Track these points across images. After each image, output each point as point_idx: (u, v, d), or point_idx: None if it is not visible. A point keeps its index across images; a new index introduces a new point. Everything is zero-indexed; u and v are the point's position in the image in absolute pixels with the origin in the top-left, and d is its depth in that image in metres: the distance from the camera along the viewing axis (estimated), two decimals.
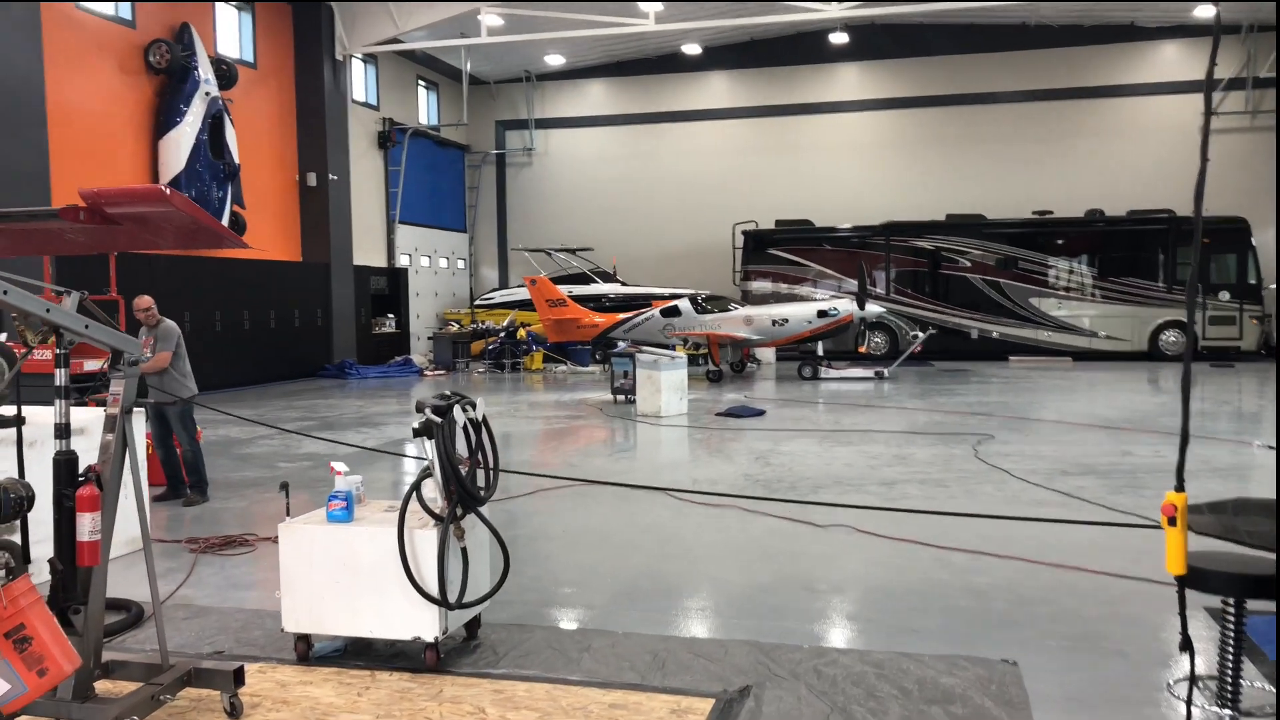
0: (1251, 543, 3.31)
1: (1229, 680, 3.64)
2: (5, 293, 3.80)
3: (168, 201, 5.94)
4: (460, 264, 31.49)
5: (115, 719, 3.84)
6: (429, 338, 26.98)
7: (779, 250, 26.65)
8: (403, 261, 27.67)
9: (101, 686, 4.27)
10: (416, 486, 4.82)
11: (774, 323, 20.73)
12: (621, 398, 16.47)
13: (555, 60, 30.14)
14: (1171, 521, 3.19)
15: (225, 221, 19.93)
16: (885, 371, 20.60)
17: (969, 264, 25.21)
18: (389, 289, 26.54)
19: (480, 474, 4.98)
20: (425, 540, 4.75)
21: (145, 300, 9.00)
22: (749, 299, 25.39)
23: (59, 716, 3.99)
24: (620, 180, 30.83)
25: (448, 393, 4.91)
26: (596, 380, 20.85)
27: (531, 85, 31.27)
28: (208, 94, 19.26)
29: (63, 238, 7.13)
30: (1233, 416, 14.28)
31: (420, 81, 29.49)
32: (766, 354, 24.21)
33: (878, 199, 28.02)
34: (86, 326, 4.10)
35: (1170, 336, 23.69)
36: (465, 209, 31.91)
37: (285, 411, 16.13)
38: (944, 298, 25.40)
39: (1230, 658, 3.63)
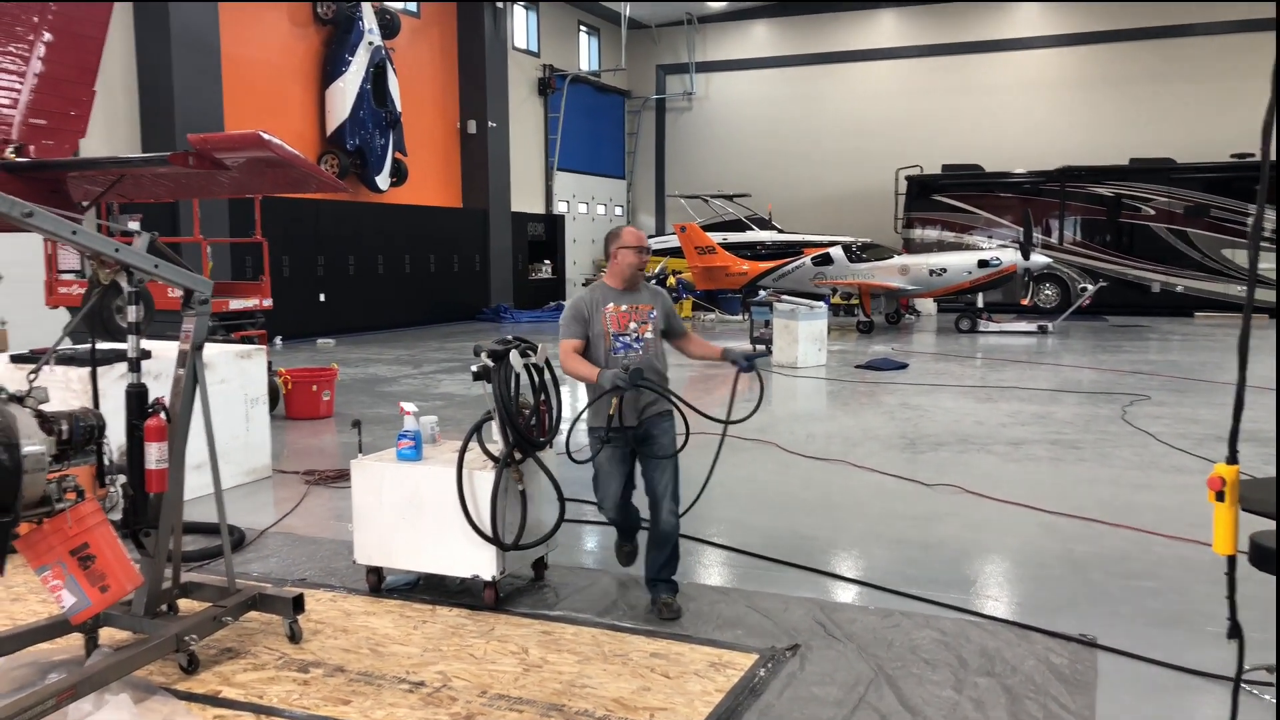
0: None
1: None
2: (75, 233, 4.02)
3: (265, 146, 6.17)
4: (618, 211, 31.68)
5: (176, 635, 4.09)
6: (583, 283, 27.35)
7: (945, 196, 25.47)
8: (560, 208, 28.08)
9: (184, 606, 4.57)
10: (477, 428, 4.88)
11: (931, 273, 19.92)
12: (761, 347, 16.23)
13: (717, 2, 29.61)
14: (1220, 497, 2.84)
15: (387, 168, 20.72)
16: (1050, 326, 19.48)
17: (1153, 212, 23.39)
18: (546, 235, 27.02)
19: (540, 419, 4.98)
20: (483, 481, 4.82)
21: None
22: (911, 247, 24.46)
23: (131, 629, 4.29)
24: (781, 124, 30.16)
25: (509, 337, 4.93)
26: (743, 329, 20.62)
27: (693, 28, 30.87)
28: (371, 44, 19.96)
29: (189, 182, 7.55)
30: None
31: (581, 27, 29.61)
32: (927, 305, 23.33)
33: (1053, 143, 26.35)
34: (156, 266, 4.30)
35: None
36: (624, 155, 32.01)
37: (436, 353, 16.74)
38: (1123, 248, 23.70)
39: None
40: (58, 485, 3.80)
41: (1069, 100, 27.19)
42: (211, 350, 7.23)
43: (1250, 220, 22.44)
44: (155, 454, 4.26)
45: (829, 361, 14.80)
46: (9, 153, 6.60)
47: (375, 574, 5.19)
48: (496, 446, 4.88)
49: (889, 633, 4.58)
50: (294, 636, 4.46)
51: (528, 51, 26.73)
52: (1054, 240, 23.99)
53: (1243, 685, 3.26)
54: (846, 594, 5.19)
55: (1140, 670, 4.18)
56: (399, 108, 20.78)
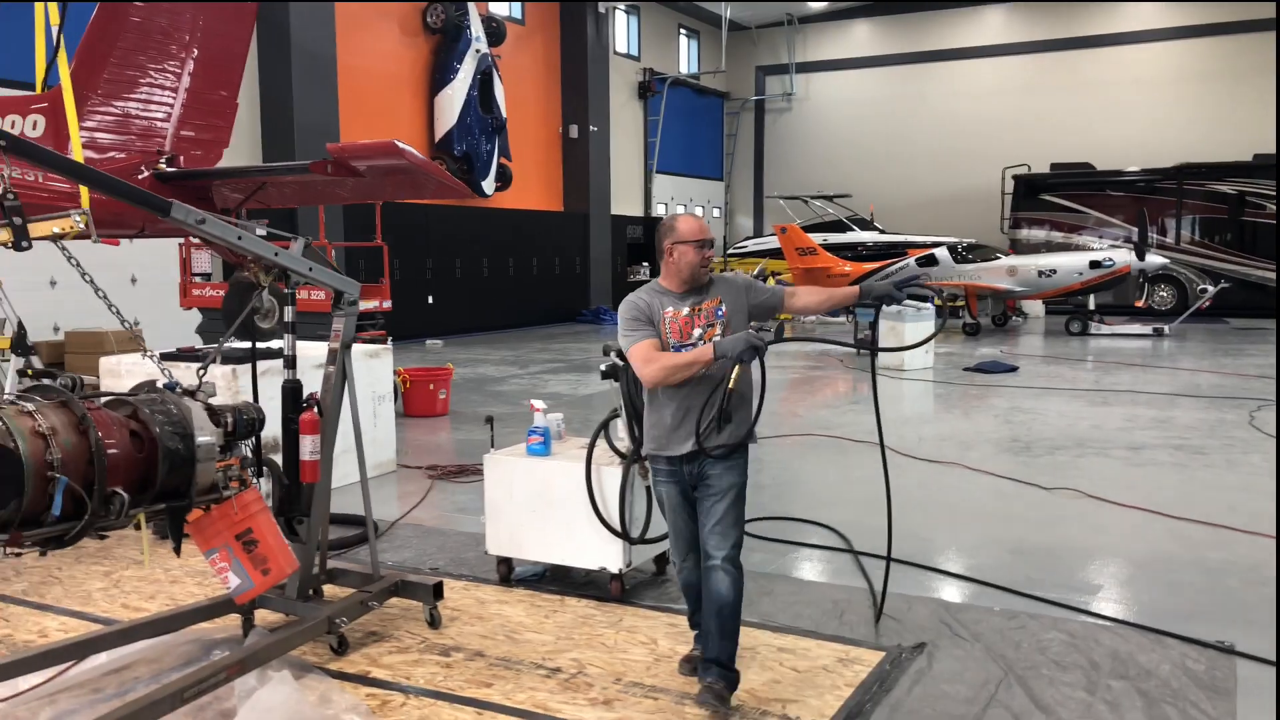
0: None
1: None
2: (240, 238, 4.30)
3: (400, 155, 6.47)
4: (716, 212, 31.73)
5: (327, 618, 4.34)
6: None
7: (1054, 196, 24.84)
8: (659, 210, 28.27)
9: (328, 590, 4.84)
10: (605, 425, 5.04)
11: (1040, 274, 19.48)
12: (865, 350, 16.10)
13: (818, 2, 29.44)
14: None
15: (492, 173, 21.18)
16: (1166, 328, 18.86)
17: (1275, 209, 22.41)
18: (645, 238, 27.24)
19: None
20: (610, 477, 4.96)
21: None
22: (1018, 248, 23.91)
23: (285, 611, 4.56)
24: (883, 124, 29.82)
25: None
26: (845, 331, 20.47)
27: (793, 28, 30.75)
28: (478, 51, 20.44)
29: (325, 189, 7.92)
30: None
31: (681, 30, 29.76)
32: (1035, 307, 22.79)
33: (1167, 140, 25.47)
34: (310, 269, 4.55)
35: None
36: (722, 157, 32.05)
37: (540, 354, 17.07)
38: (1245, 248, 22.76)
39: None
40: (224, 473, 4.07)
41: (1184, 95, 26.25)
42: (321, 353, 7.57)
43: None
44: (309, 446, 4.52)
45: (936, 364, 14.61)
46: (162, 163, 7.04)
47: (505, 564, 5.38)
48: (623, 443, 5.02)
49: (1016, 634, 4.57)
50: (434, 622, 4.68)
51: (628, 55, 27.00)
52: (1170, 240, 23.20)
53: None
54: (970, 595, 5.19)
55: None
56: (504, 113, 21.23)
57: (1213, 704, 3.86)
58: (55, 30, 6.33)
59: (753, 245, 28.28)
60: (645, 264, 27.07)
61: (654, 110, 27.77)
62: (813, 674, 4.14)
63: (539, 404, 5.47)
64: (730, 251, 28.89)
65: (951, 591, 5.24)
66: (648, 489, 5.05)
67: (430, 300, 19.78)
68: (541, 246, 23.10)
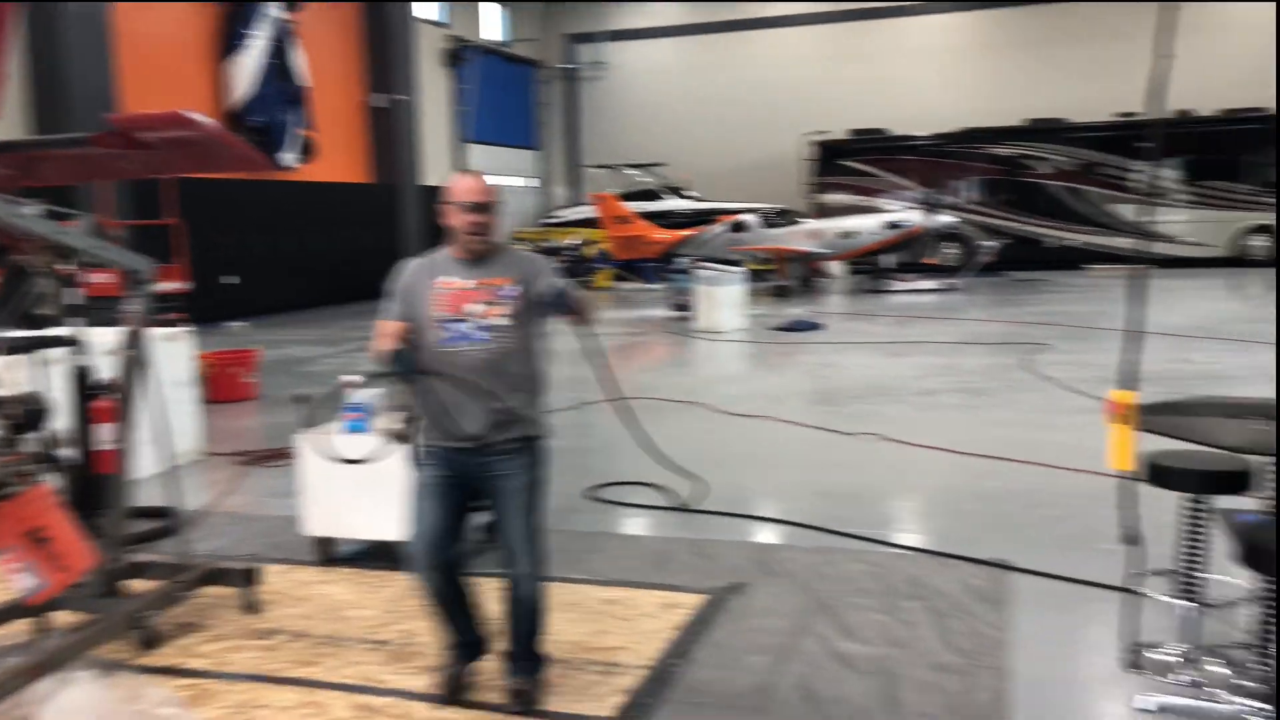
0: (1204, 441, 3.28)
1: (1192, 574, 3.64)
2: (16, 216, 4.02)
3: (190, 125, 6.13)
4: (533, 183, 31.60)
5: (129, 612, 4.17)
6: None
7: (852, 161, 26.03)
8: None
9: (137, 585, 4.63)
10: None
11: (841, 236, 20.44)
12: (682, 314, 16.51)
13: None
14: (1118, 420, 3.18)
15: (293, 144, 20.34)
16: (955, 283, 20.19)
17: (1048, 170, 24.31)
18: None
19: None
20: None
21: None
22: (821, 212, 24.98)
23: (85, 610, 4.34)
24: (693, 92, 30.39)
25: None
26: (663, 298, 20.90)
27: None
28: (273, 16, 19.50)
29: (108, 163, 7.43)
30: None
31: None
32: (838, 268, 23.90)
33: (956, 106, 27.05)
34: (96, 248, 4.32)
35: (1258, 241, 22.61)
36: (537, 126, 31.90)
37: (351, 332, 16.60)
38: (1021, 206, 24.59)
39: (1193, 553, 3.62)
40: (12, 468, 3.83)
41: (970, 63, 27.98)
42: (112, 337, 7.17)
43: (1133, 176, 23.54)
44: (107, 435, 4.30)
45: (749, 325, 15.15)
46: None
47: (325, 544, 5.30)
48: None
49: (824, 568, 4.89)
50: (252, 607, 4.57)
51: (435, 23, 26.39)
52: (957, 200, 24.77)
53: (1136, 589, 3.62)
54: (784, 537, 5.49)
55: (1049, 586, 4.56)
56: (305, 82, 20.39)
57: (992, 613, 4.26)
58: None
59: (569, 215, 28.36)
60: None
61: (464, 79, 27.30)
62: (637, 621, 4.31)
63: (353, 379, 5.37)
64: (546, 221, 28.88)
65: (768, 535, 5.53)
66: None
67: (229, 281, 18.85)
68: (350, 221, 22.38)
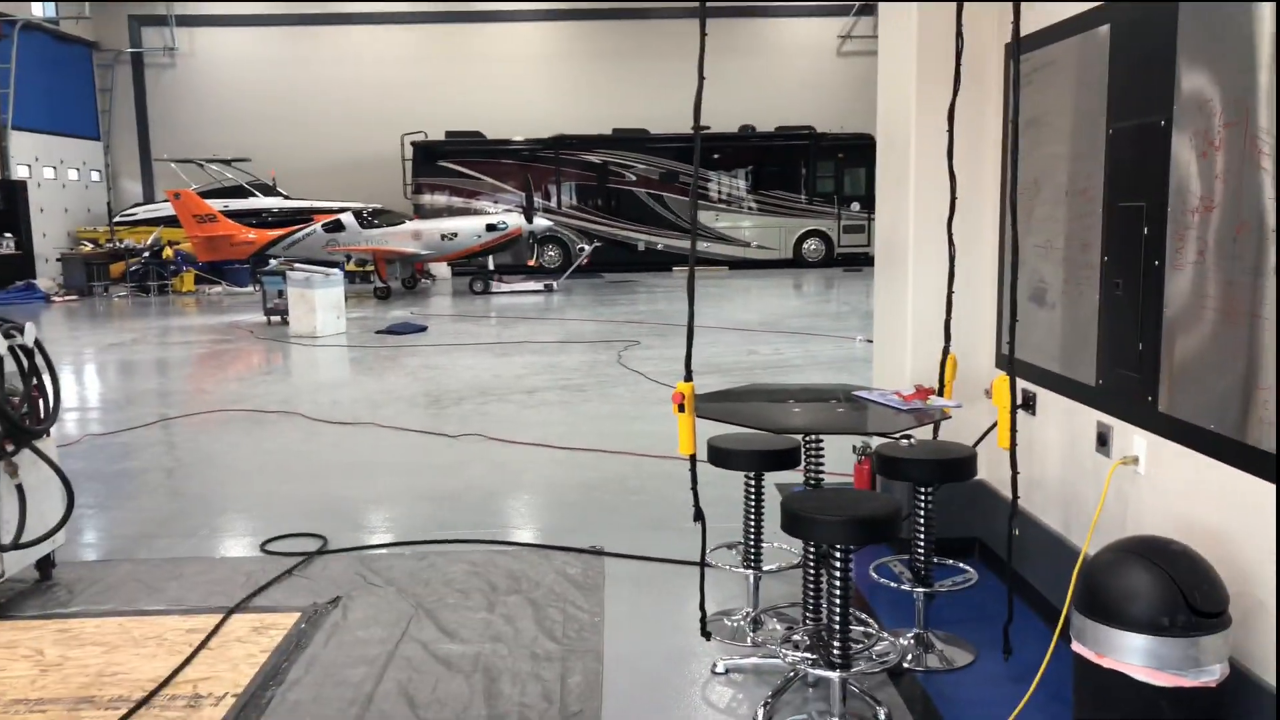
0: (750, 424, 3.73)
1: (753, 544, 4.12)
2: None
3: None
4: (94, 176, 28.36)
5: None
6: (58, 259, 24.20)
7: (450, 163, 26.19)
8: (20, 173, 24.49)
9: None
10: None
11: (443, 237, 20.50)
12: (276, 319, 15.70)
13: None
14: (681, 409, 3.53)
15: None
16: (554, 284, 21.05)
17: (634, 178, 26.07)
18: (4, 203, 23.45)
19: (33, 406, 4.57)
20: None
21: None
22: (421, 213, 24.86)
23: None
24: (280, 86, 28.86)
25: None
26: (254, 301, 19.71)
27: None
28: None
29: None
30: (850, 316, 15.90)
31: None
32: (442, 270, 23.94)
33: (549, 112, 28.16)
34: None
35: (811, 245, 25.92)
36: (98, 114, 28.66)
37: None
38: (612, 211, 26.16)
39: (753, 525, 4.10)
40: None
41: (561, 71, 29.17)
42: None
43: (710, 185, 25.98)
44: None
45: (349, 329, 14.74)
46: None
47: None
48: None
49: (425, 572, 4.90)
50: None
51: None
52: (553, 204, 25.81)
53: (708, 562, 4.03)
54: (387, 545, 5.41)
55: (639, 567, 4.93)
56: None
57: (586, 599, 4.52)
58: None
59: (143, 212, 25.84)
60: (9, 234, 23.33)
61: (3, 58, 23.84)
62: (226, 648, 4.05)
63: None
64: (117, 220, 26.06)
65: (367, 544, 5.42)
66: (18, 487, 4.49)
67: None
68: None
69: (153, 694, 3.67)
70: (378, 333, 14.44)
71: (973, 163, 4.45)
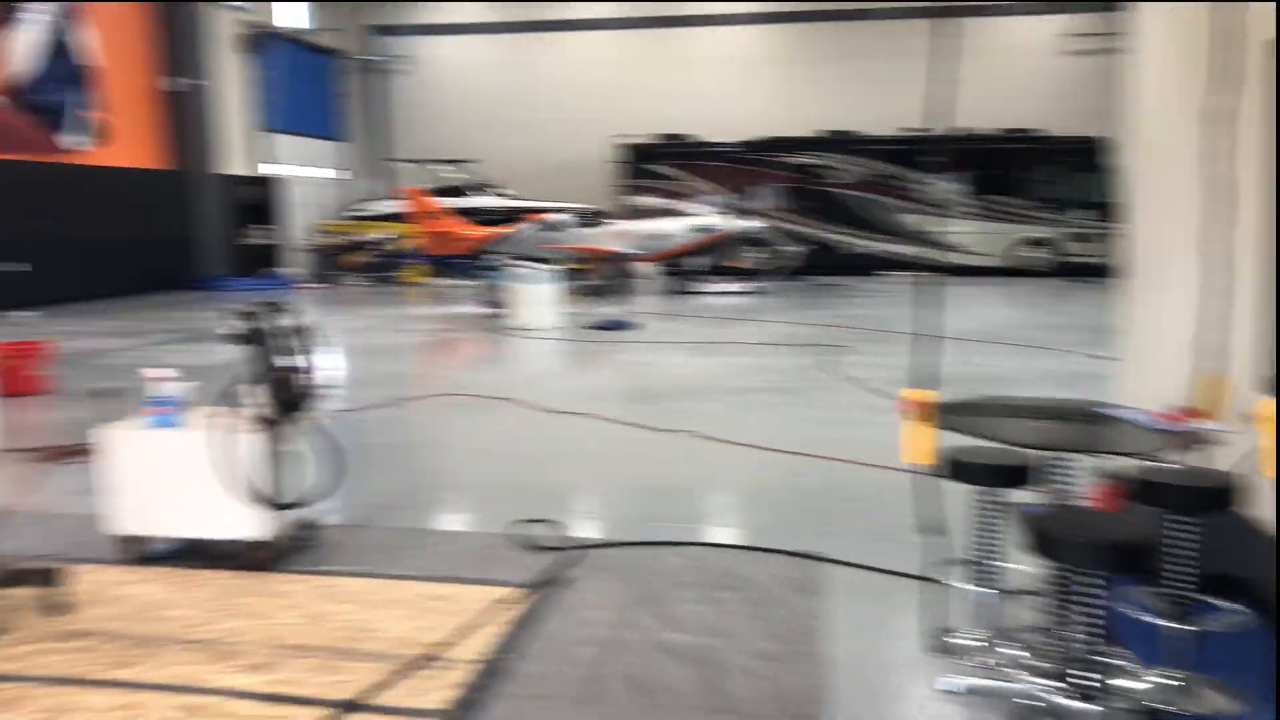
0: (994, 437, 3.65)
1: (987, 562, 4.04)
2: None
3: None
4: (338, 174, 30.61)
5: None
6: (304, 250, 26.32)
7: (659, 165, 26.69)
8: (275, 171, 26.77)
9: None
10: (237, 391, 4.87)
11: (650, 237, 20.91)
12: (495, 311, 16.48)
13: None
14: (910, 416, 3.51)
15: (80, 127, 18.93)
16: (761, 286, 21.05)
17: (843, 180, 25.73)
18: (260, 199, 25.67)
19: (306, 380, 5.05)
20: (248, 444, 4.82)
21: None
22: (629, 214, 25.45)
23: None
24: (505, 91, 30.25)
25: (265, 301, 4.94)
26: (474, 295, 20.76)
27: None
28: None
29: None
30: (1075, 329, 15.07)
31: None
32: (648, 269, 24.41)
33: (759, 114, 28.17)
34: None
35: (1032, 253, 24.75)
36: (343, 117, 30.91)
37: (152, 324, 15.70)
38: (820, 213, 25.91)
39: (987, 542, 4.02)
40: None
41: (771, 74, 29.13)
42: None
43: (919, 187, 25.27)
44: None
45: (562, 324, 15.30)
46: None
47: (135, 543, 5.05)
48: (260, 408, 4.89)
49: (647, 561, 5.08)
50: (57, 609, 4.32)
51: (233, 6, 25.10)
52: (761, 206, 25.80)
53: (938, 578, 3.99)
54: (607, 533, 5.64)
55: (859, 576, 4.92)
56: (90, 62, 18.98)
57: (805, 603, 4.57)
58: None
59: (378, 208, 27.67)
60: (263, 226, 25.47)
61: (264, 65, 26.12)
62: (463, 616, 4.35)
63: (159, 373, 5.15)
64: (354, 215, 28.04)
65: (591, 531, 5.67)
66: (288, 454, 4.98)
67: (27, 268, 17.36)
68: (145, 208, 21.04)
69: (412, 658, 3.99)
70: (588, 328, 14.91)
71: (1233, 169, 4.19)
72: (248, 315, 4.75)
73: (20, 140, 6.79)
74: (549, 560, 5.05)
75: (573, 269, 22.80)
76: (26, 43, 17.74)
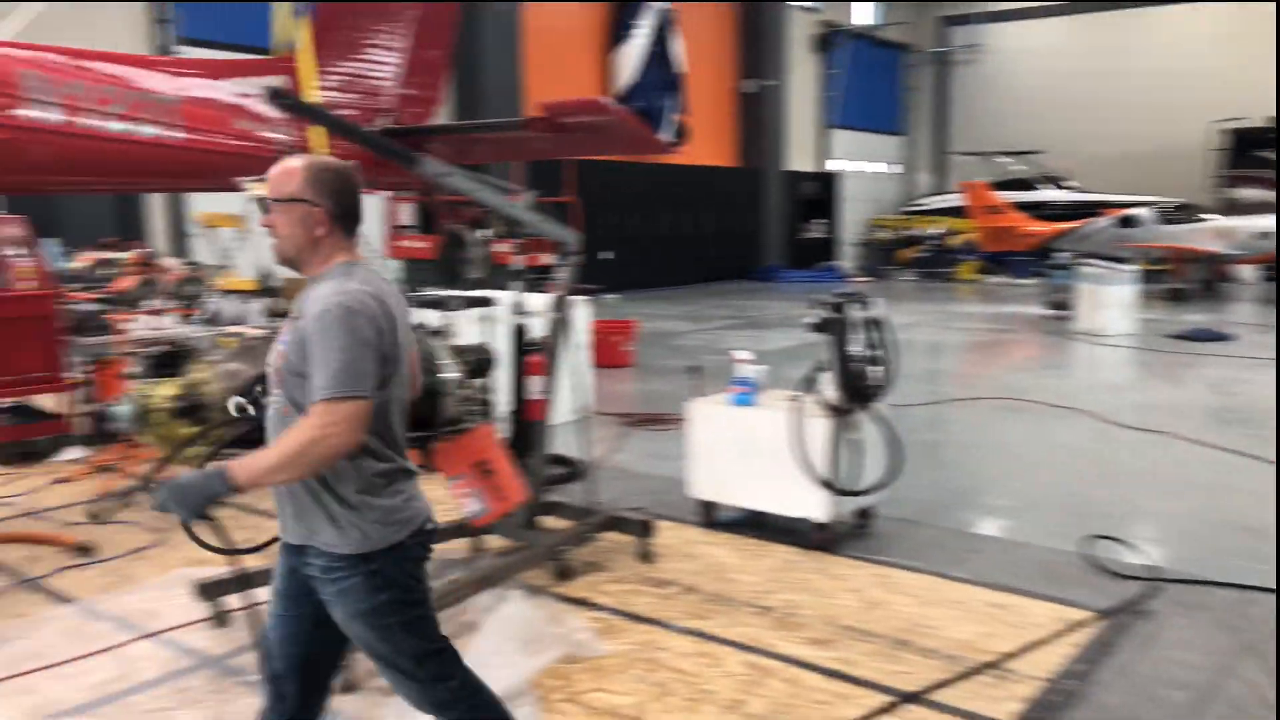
0: None
1: None
2: (477, 190, 4.55)
3: (607, 112, 6.64)
4: (895, 169, 30.90)
5: (551, 546, 4.60)
6: (857, 244, 27.02)
7: (1272, 152, 22.97)
8: (835, 167, 27.77)
9: (545, 522, 5.11)
10: (812, 377, 5.09)
11: (1257, 236, 18.11)
12: (1058, 313, 15.46)
13: None
14: None
15: (669, 130, 21.27)
16: None
17: None
18: (819, 194, 26.83)
19: (877, 372, 5.12)
20: (818, 428, 5.02)
21: None
22: (1232, 209, 22.27)
23: (510, 538, 4.85)
24: (1077, 76, 28.26)
25: (846, 290, 5.09)
26: (1033, 293, 19.67)
27: None
28: (656, 7, 20.49)
29: (528, 145, 8.22)
30: None
31: None
32: (1249, 273, 21.22)
33: None
34: (538, 221, 4.78)
35: None
36: (903, 112, 31.11)
37: (716, 310, 17.20)
38: None
39: None
40: (466, 407, 4.35)
41: None
42: (540, 300, 7.88)
43: None
44: (536, 386, 4.77)
45: (1138, 330, 13.87)
46: (384, 121, 7.45)
47: (707, 508, 5.54)
48: (831, 395, 5.06)
49: (1245, 608, 4.39)
50: (646, 556, 4.88)
51: (806, 7, 26.46)
52: None
53: None
54: (1192, 567, 4.98)
55: None
56: (682, 68, 21.24)
57: None
58: None
59: (933, 203, 27.48)
60: (820, 221, 26.62)
61: (832, 63, 27.18)
62: (1029, 630, 4.11)
63: (743, 355, 5.57)
64: (909, 209, 28.14)
65: (1164, 563, 5.05)
66: (854, 442, 5.09)
67: (603, 256, 20.10)
68: (714, 203, 23.11)
69: (975, 663, 3.88)
70: (1171, 337, 13.33)
71: None
72: (830, 305, 4.93)
73: (644, 145, 7.95)
74: (1125, 587, 4.59)
75: (1149, 270, 20.66)
76: (631, 56, 20.32)
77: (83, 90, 5.88)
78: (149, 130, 6.17)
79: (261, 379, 3.48)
